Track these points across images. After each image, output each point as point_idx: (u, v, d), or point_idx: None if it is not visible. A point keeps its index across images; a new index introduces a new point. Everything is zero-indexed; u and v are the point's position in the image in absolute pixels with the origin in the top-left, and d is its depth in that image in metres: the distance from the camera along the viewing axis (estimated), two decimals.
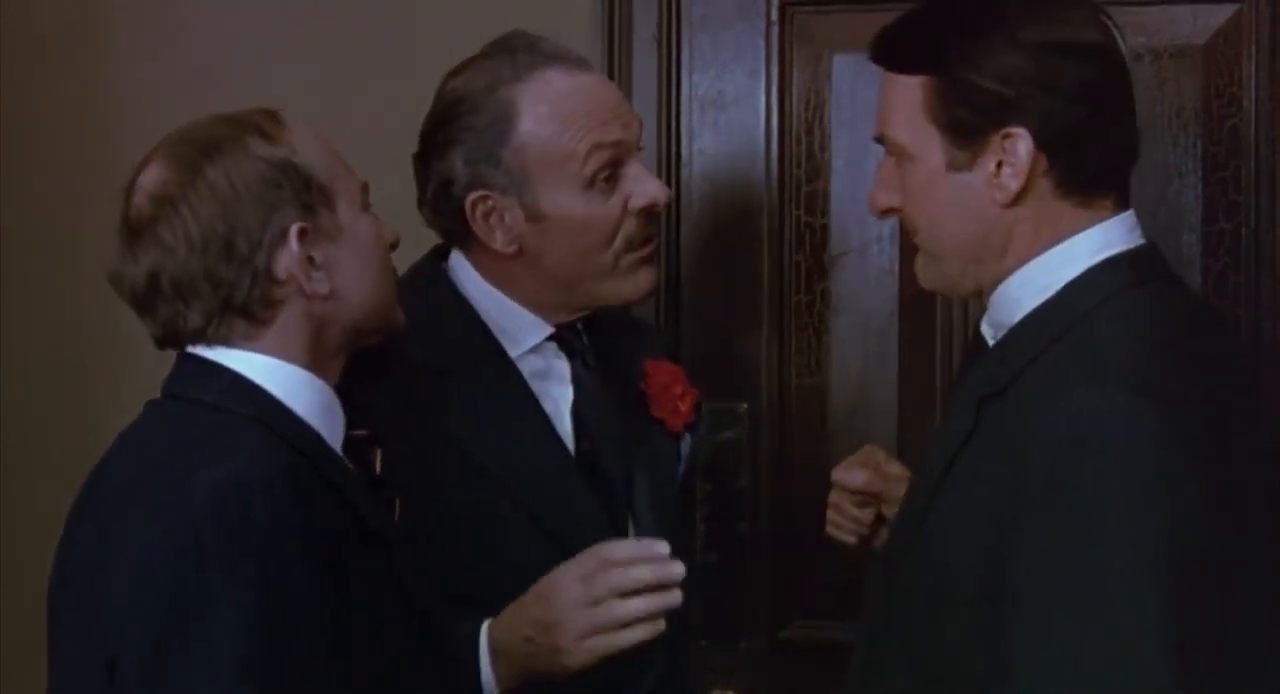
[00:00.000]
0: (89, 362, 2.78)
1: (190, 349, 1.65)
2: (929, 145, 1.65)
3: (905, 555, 1.67)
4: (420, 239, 2.01)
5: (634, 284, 1.99)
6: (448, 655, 1.74)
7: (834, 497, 2.02)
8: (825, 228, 2.58)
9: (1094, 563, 1.47)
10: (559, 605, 1.74)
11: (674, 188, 2.59)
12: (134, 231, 1.62)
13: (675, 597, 1.73)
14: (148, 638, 1.49)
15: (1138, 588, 1.46)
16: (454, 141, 1.94)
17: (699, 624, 2.52)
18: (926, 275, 1.74)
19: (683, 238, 2.62)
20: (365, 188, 1.72)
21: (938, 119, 1.64)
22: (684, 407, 2.10)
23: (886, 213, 1.75)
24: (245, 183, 1.61)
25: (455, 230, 1.99)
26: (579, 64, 1.97)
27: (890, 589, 1.69)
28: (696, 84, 2.61)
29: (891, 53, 1.70)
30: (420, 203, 1.99)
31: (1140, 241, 1.66)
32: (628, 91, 2.55)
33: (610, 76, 2.54)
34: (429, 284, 1.99)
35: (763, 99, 2.59)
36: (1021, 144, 1.61)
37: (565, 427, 1.99)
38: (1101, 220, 1.64)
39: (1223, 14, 2.43)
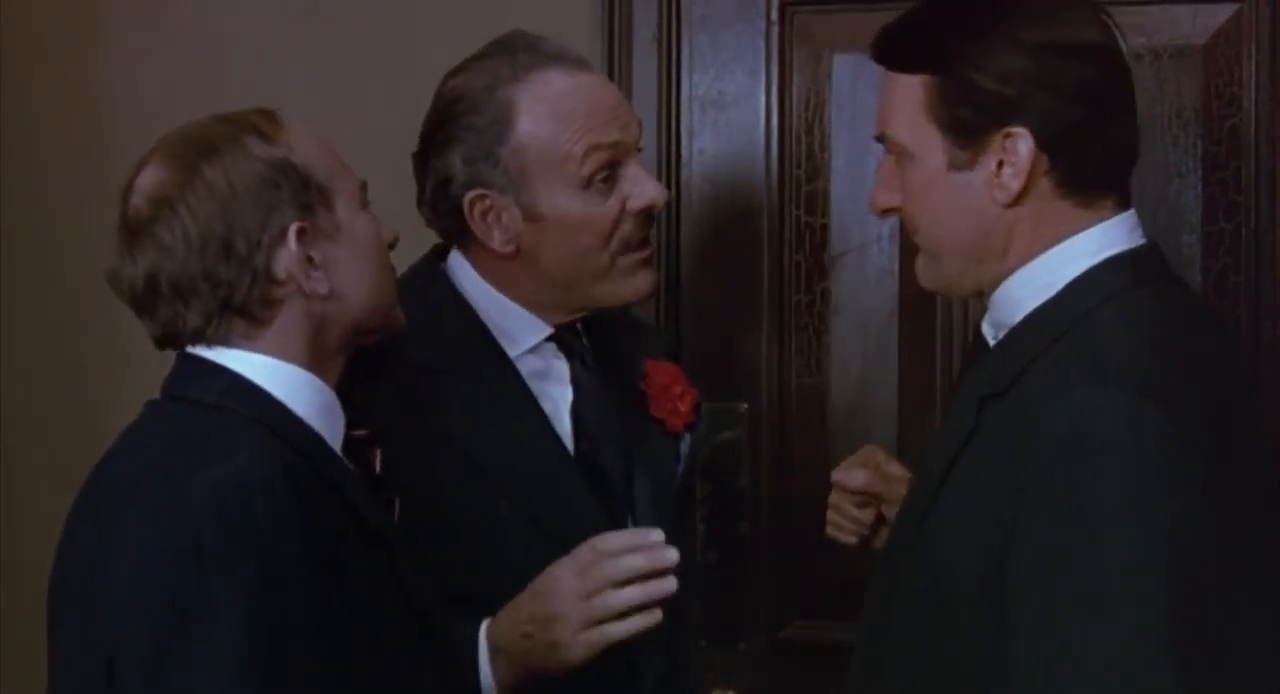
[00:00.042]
0: (89, 362, 2.78)
1: (189, 349, 1.65)
2: (930, 144, 1.65)
3: (906, 555, 1.67)
4: (419, 238, 2.01)
5: (633, 286, 1.99)
6: (448, 655, 1.74)
7: (834, 497, 2.02)
8: (825, 228, 2.58)
9: (1095, 562, 1.47)
10: (555, 600, 1.74)
11: (674, 188, 2.59)
12: (132, 232, 1.62)
13: (670, 583, 1.73)
14: (147, 638, 1.49)
15: (1138, 587, 1.46)
16: (453, 140, 1.94)
17: (699, 624, 2.52)
18: (927, 275, 1.74)
19: (683, 238, 2.62)
20: (364, 187, 1.72)
21: (939, 118, 1.64)
22: (683, 406, 2.10)
23: (887, 212, 1.75)
24: (243, 183, 1.61)
25: (454, 229, 1.99)
26: (579, 64, 1.97)
27: (890, 589, 1.69)
28: (696, 84, 2.61)
29: (893, 52, 1.70)
30: (419, 202, 1.99)
31: (1141, 241, 1.66)
32: (628, 91, 2.55)
33: (610, 76, 2.54)
34: (428, 284, 1.99)
35: (763, 99, 2.59)
36: (1022, 144, 1.61)
37: (564, 427, 1.99)
38: (1102, 220, 1.64)
39: (1223, 14, 2.43)
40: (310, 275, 1.64)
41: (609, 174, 1.94)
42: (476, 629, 1.79)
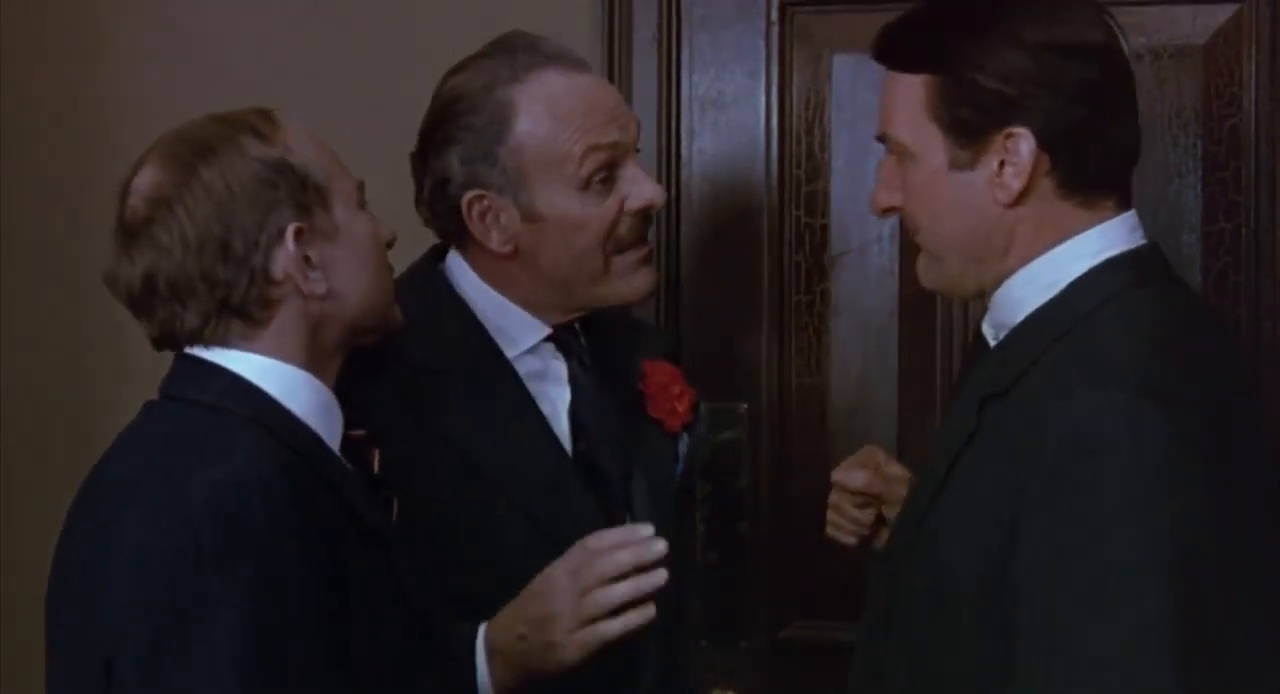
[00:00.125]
0: (89, 362, 2.78)
1: (188, 350, 1.65)
2: (931, 144, 1.65)
3: (907, 555, 1.67)
4: (418, 238, 2.01)
5: (632, 286, 1.99)
6: (446, 655, 1.74)
7: (834, 497, 2.02)
8: (825, 228, 2.58)
9: (1096, 563, 1.47)
10: (549, 600, 1.74)
11: (674, 188, 2.59)
12: (129, 233, 1.62)
13: (659, 576, 1.73)
14: (146, 638, 1.49)
15: (1139, 588, 1.46)
16: (451, 140, 1.94)
17: (699, 624, 2.52)
18: (928, 275, 1.74)
19: (683, 238, 2.62)
20: (361, 186, 1.72)
21: (940, 118, 1.64)
22: (681, 407, 2.10)
23: (888, 212, 1.75)
24: (240, 183, 1.61)
25: (452, 229, 1.99)
26: (578, 65, 1.97)
27: (891, 589, 1.69)
28: (696, 84, 2.61)
29: (894, 51, 1.70)
30: (417, 202, 1.99)
31: (1141, 241, 1.66)
32: (628, 91, 2.55)
33: (610, 76, 2.54)
34: (426, 284, 1.99)
35: (763, 99, 2.59)
36: (1024, 144, 1.61)
37: (562, 427, 1.99)
38: (1103, 220, 1.64)
39: (1223, 14, 2.43)
40: (308, 275, 1.64)
41: (607, 174, 1.94)
42: (475, 630, 1.79)
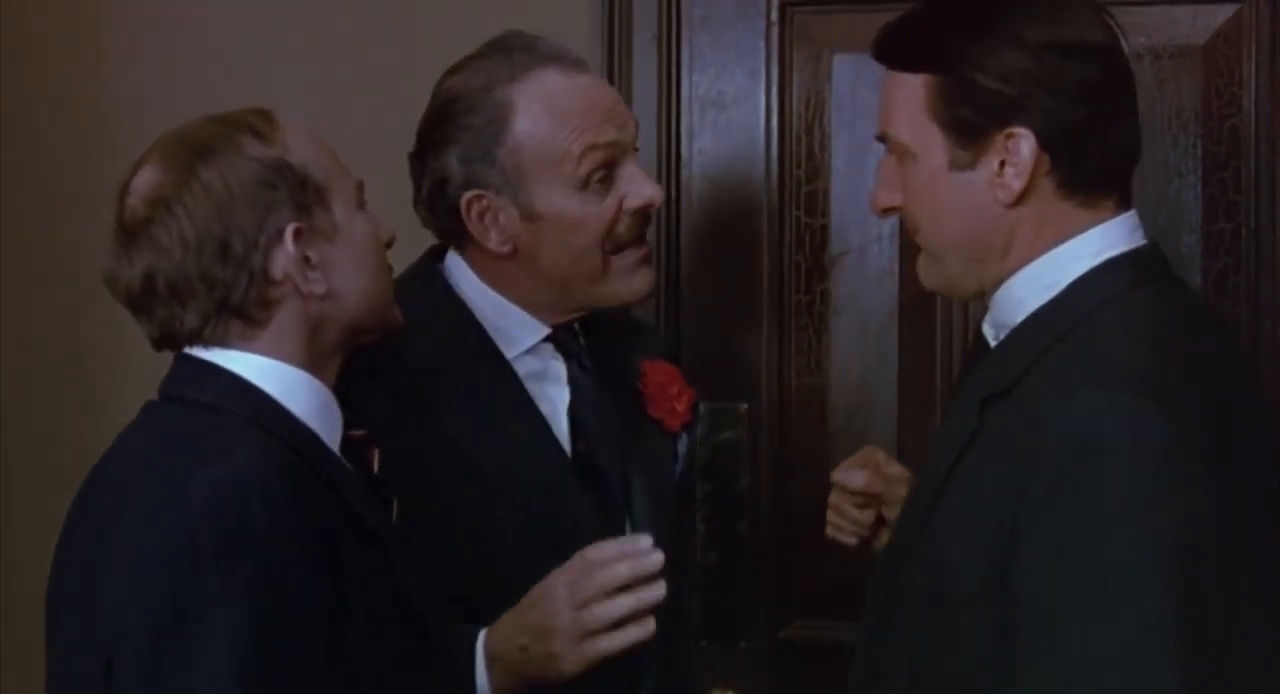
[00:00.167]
0: (89, 362, 2.78)
1: (187, 350, 1.65)
2: (932, 144, 1.65)
3: (907, 556, 1.67)
4: (417, 238, 2.01)
5: (631, 286, 1.99)
6: (445, 655, 1.74)
7: (834, 498, 2.02)
8: (825, 228, 2.58)
9: (1097, 563, 1.47)
10: (550, 612, 1.74)
11: (674, 188, 2.59)
12: (129, 233, 1.62)
13: (659, 590, 1.73)
14: (145, 638, 1.49)
15: (1140, 588, 1.46)
16: (450, 140, 1.94)
17: (699, 624, 2.52)
18: (928, 275, 1.74)
19: (683, 238, 2.61)
20: (360, 186, 1.72)
21: (940, 118, 1.64)
22: (680, 407, 2.10)
23: (888, 212, 1.75)
24: (240, 183, 1.61)
25: (450, 230, 1.99)
26: (576, 64, 1.97)
27: (891, 589, 1.69)
28: (696, 84, 2.61)
29: (894, 51, 1.70)
30: (416, 202, 1.99)
31: (1142, 242, 1.66)
32: (628, 91, 2.55)
33: (610, 76, 2.54)
34: (425, 285, 1.99)
35: (763, 99, 2.59)
36: (1025, 144, 1.61)
37: (562, 427, 1.99)
38: (1104, 220, 1.64)
39: (1223, 14, 2.43)
40: (307, 276, 1.64)
41: (606, 174, 1.94)
42: (474, 629, 1.79)
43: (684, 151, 2.61)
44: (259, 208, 1.61)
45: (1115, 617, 1.45)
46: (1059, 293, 1.63)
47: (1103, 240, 1.64)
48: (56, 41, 2.79)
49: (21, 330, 2.80)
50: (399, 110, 2.06)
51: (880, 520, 1.99)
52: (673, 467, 2.10)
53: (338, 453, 1.67)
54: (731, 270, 2.60)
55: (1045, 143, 1.61)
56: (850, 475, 1.99)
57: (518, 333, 1.99)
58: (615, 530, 1.97)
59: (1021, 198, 1.63)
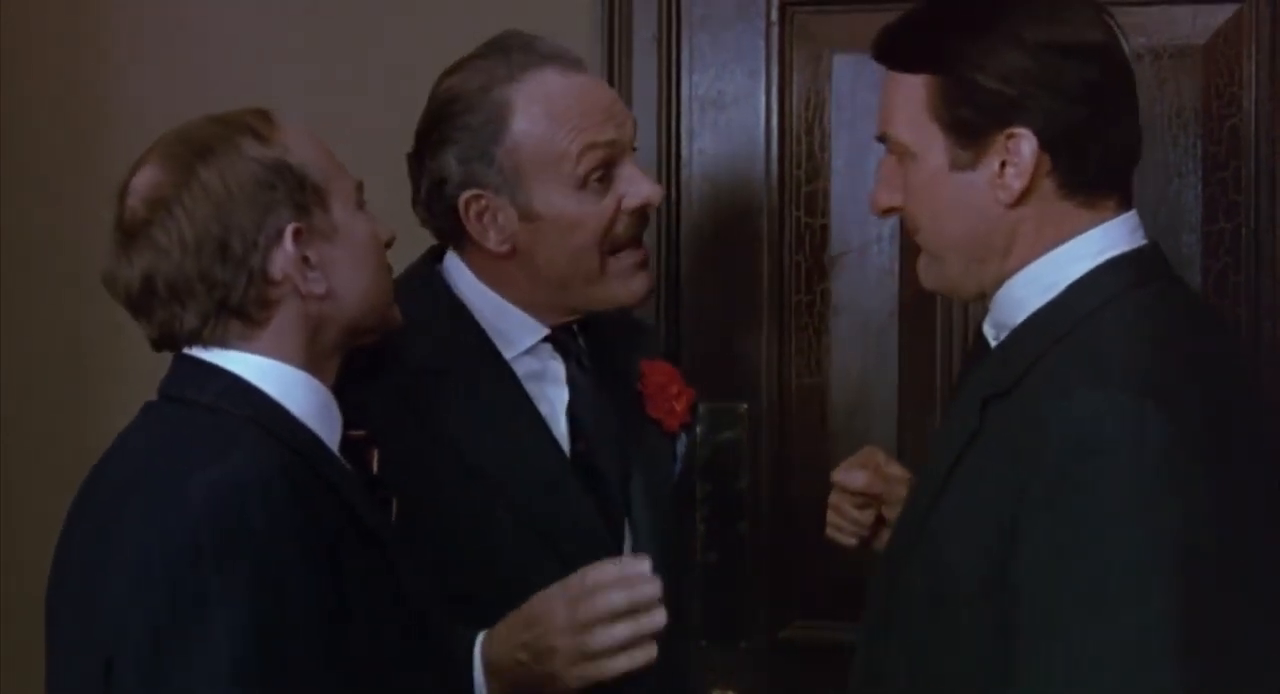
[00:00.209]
0: (89, 362, 2.78)
1: (186, 350, 1.65)
2: (932, 144, 1.65)
3: (907, 556, 1.67)
4: (417, 239, 2.01)
5: (628, 289, 1.99)
6: (444, 655, 1.74)
7: (834, 498, 2.02)
8: (825, 228, 2.58)
9: (1098, 563, 1.47)
10: (549, 631, 1.73)
11: (674, 188, 2.59)
12: (128, 234, 1.62)
13: (659, 618, 1.73)
14: (145, 638, 1.49)
15: (1140, 588, 1.46)
16: (448, 140, 1.94)
17: (699, 624, 2.52)
18: (929, 276, 1.74)
19: (683, 238, 2.61)
20: (359, 187, 1.72)
21: (941, 118, 1.64)
22: (679, 407, 2.10)
23: (888, 212, 1.75)
24: (239, 183, 1.61)
25: (449, 230, 1.99)
26: (574, 64, 1.97)
27: (891, 589, 1.69)
28: (696, 84, 2.61)
29: (894, 51, 1.69)
30: (414, 202, 1.99)
31: (1142, 242, 1.66)
32: (628, 91, 2.55)
33: (610, 76, 2.54)
34: (424, 285, 1.99)
35: (763, 99, 2.59)
36: (1025, 144, 1.61)
37: (561, 428, 1.99)
38: (1104, 221, 1.64)
39: (1223, 14, 2.43)
40: (307, 276, 1.64)
41: (604, 173, 1.94)
42: (472, 632, 1.79)
43: (684, 151, 2.61)
44: (258, 208, 1.61)
45: (1115, 617, 1.45)
46: (1059, 293, 1.63)
47: (1103, 240, 1.64)
48: (56, 41, 2.79)
49: (21, 330, 2.80)
50: (399, 110, 2.06)
51: (880, 520, 1.99)
52: (672, 466, 2.10)
53: (337, 453, 1.67)
54: (731, 270, 2.60)
55: (1046, 143, 1.61)
56: (850, 476, 1.99)
57: (517, 333, 1.99)
58: (615, 531, 1.97)
59: (1022, 198, 1.63)
